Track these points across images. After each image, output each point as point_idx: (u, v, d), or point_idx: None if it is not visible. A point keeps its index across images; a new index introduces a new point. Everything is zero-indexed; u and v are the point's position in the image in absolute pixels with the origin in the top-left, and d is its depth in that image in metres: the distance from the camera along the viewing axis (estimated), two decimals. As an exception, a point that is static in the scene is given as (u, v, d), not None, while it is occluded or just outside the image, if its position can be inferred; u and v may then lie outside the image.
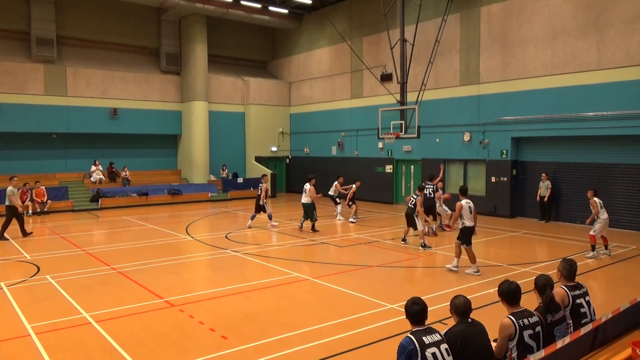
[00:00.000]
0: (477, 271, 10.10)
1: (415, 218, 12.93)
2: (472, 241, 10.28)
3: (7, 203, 14.64)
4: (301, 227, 15.80)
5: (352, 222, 17.41)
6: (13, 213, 14.60)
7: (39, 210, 20.08)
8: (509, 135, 18.27)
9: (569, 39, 16.36)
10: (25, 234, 14.95)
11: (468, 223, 10.07)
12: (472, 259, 10.17)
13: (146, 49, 26.37)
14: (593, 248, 11.67)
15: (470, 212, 10.11)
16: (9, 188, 14.62)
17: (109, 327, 7.15)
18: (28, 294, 8.99)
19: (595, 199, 11.79)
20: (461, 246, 10.20)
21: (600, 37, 15.59)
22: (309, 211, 15.50)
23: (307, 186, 15.67)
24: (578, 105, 16.17)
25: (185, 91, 26.20)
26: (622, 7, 15.12)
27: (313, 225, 15.54)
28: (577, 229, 15.60)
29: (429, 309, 4.30)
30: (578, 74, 16.17)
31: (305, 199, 15.64)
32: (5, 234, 14.59)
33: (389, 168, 23.24)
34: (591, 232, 11.71)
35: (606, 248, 11.94)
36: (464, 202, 10.13)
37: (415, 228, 13.10)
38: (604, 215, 11.68)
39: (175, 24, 26.27)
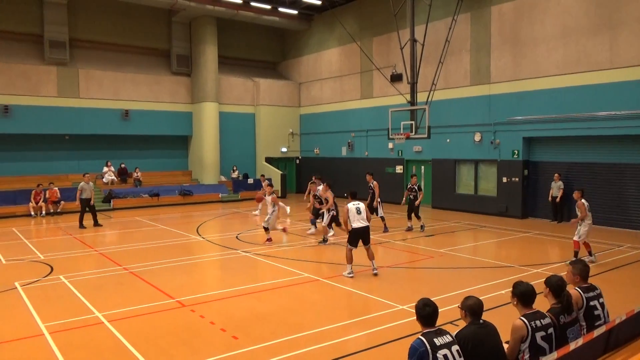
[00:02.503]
0: (351, 272, 9.97)
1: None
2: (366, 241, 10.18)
3: (82, 196, 16.85)
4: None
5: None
6: (85, 204, 16.90)
7: (52, 210, 20.30)
8: (520, 135, 18.14)
9: (581, 38, 16.20)
10: (96, 224, 17.13)
11: (355, 225, 9.97)
12: (371, 256, 10.15)
13: (157, 50, 26.56)
14: (576, 255, 10.95)
15: (359, 213, 10.02)
16: (81, 183, 17.03)
17: (121, 327, 7.21)
18: (42, 293, 9.09)
19: (583, 200, 11.01)
20: (351, 250, 10.02)
21: (613, 36, 15.42)
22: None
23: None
24: (590, 104, 16.01)
25: (195, 92, 26.34)
26: (635, 5, 14.94)
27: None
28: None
29: (439, 310, 4.28)
30: (590, 73, 16.01)
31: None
32: (83, 223, 16.88)
33: (399, 169, 23.17)
34: (575, 238, 10.98)
35: (590, 254, 11.17)
36: (350, 204, 10.11)
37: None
38: (589, 219, 10.94)
39: (186, 25, 26.42)
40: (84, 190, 16.77)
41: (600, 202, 16.22)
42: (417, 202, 15.33)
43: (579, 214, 11.05)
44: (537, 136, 17.92)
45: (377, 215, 15.40)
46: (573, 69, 16.44)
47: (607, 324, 4.68)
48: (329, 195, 14.02)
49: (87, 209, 16.90)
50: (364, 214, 10.06)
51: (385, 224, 15.50)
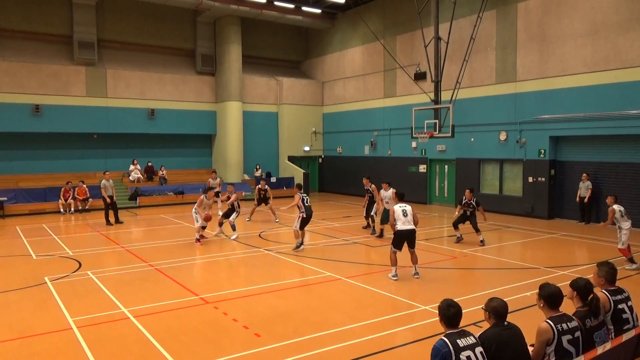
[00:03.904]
0: (395, 275, 9.67)
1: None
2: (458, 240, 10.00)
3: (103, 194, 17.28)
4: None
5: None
6: (105, 203, 17.29)
7: (80, 208, 20.77)
8: (547, 134, 17.80)
9: (610, 35, 15.81)
10: (117, 221, 17.48)
11: (400, 227, 9.65)
12: (414, 260, 9.91)
13: (182, 50, 26.91)
14: (632, 260, 10.63)
15: (405, 216, 9.70)
16: (102, 181, 17.33)
17: (147, 322, 7.34)
18: (70, 288, 9.32)
19: (615, 206, 10.63)
20: (395, 253, 9.71)
21: (645, 32, 15.00)
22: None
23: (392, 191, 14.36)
24: (620, 102, 15.60)
25: (219, 91, 26.61)
26: (668, 1, 14.51)
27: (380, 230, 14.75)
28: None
29: (462, 311, 4.24)
30: (620, 70, 15.61)
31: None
32: (109, 220, 17.30)
33: (422, 168, 23.00)
34: (620, 246, 10.65)
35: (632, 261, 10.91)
36: (397, 206, 9.87)
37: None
38: (626, 224, 10.53)
39: (211, 25, 26.71)
40: (106, 187, 17.18)
41: (630, 202, 15.80)
42: (484, 217, 13.64)
43: (609, 218, 10.77)
44: (565, 135, 17.55)
45: (368, 214, 15.37)
46: (602, 66, 16.05)
47: (636, 328, 4.57)
48: (233, 197, 14.52)
49: (109, 206, 17.30)
50: (410, 217, 9.77)
51: (374, 226, 15.04)
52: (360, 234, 15.10)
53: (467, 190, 13.71)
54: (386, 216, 14.10)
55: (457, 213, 13.83)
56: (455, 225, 13.70)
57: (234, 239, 14.16)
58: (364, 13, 24.84)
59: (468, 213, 13.50)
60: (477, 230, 13.35)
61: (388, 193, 14.10)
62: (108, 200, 17.13)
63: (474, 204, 13.39)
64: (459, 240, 13.56)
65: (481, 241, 13.20)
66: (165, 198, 23.37)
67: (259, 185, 18.20)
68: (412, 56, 22.83)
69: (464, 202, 13.59)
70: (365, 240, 14.18)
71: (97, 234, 15.67)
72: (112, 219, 17.41)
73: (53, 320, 7.52)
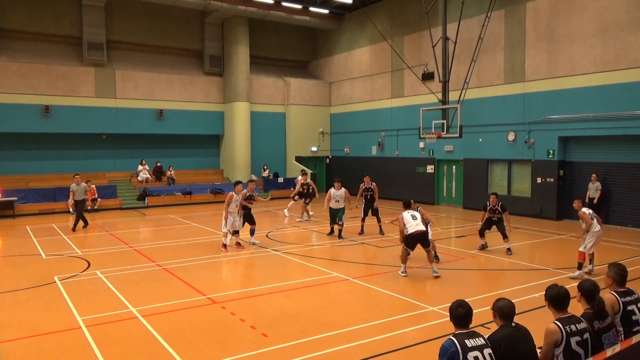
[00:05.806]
0: (404, 272, 10.09)
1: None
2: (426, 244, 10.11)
3: (75, 198, 16.46)
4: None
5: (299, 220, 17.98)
6: (80, 206, 16.43)
7: (89, 208, 20.88)
8: (556, 134, 17.68)
9: (620, 34, 15.67)
10: (82, 226, 16.53)
11: (411, 231, 9.88)
12: (430, 259, 10.18)
13: (190, 51, 27.02)
14: (580, 266, 10.01)
15: (414, 219, 10.01)
16: (72, 185, 16.47)
17: (154, 322, 7.38)
18: (79, 288, 9.39)
19: (584, 209, 10.36)
20: (407, 251, 10.06)
21: (656, 32, 14.86)
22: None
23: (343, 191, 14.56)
24: (630, 102, 15.46)
25: (227, 92, 26.69)
26: (679, 0, 14.36)
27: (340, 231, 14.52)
28: (629, 232, 14.93)
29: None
30: (630, 70, 15.47)
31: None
32: (76, 226, 16.33)
33: (430, 168, 22.93)
34: (581, 249, 10.10)
35: (590, 262, 10.28)
36: (405, 213, 10.22)
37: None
38: (596, 227, 10.13)
39: (218, 26, 26.79)
40: (75, 192, 16.25)
41: (639, 203, 15.71)
42: (508, 229, 12.35)
43: (583, 225, 10.25)
44: (574, 135, 17.42)
45: (376, 216, 15.24)
46: (612, 66, 15.92)
47: (646, 330, 4.52)
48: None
49: (82, 210, 16.38)
50: (419, 219, 10.07)
51: (381, 227, 15.08)
52: (367, 234, 15.06)
53: (492, 196, 12.51)
54: (333, 216, 14.46)
55: (481, 222, 12.73)
56: (481, 233, 12.72)
57: (257, 243, 13.53)
58: (371, 13, 24.81)
59: (495, 219, 12.46)
60: (505, 237, 12.29)
61: (340, 192, 14.37)
62: (72, 203, 16.72)
63: (499, 209, 12.34)
64: (484, 247, 12.69)
65: (508, 249, 12.24)
66: (174, 198, 23.48)
67: (301, 180, 18.15)
68: (420, 56, 22.77)
69: (488, 208, 12.51)
70: (372, 240, 14.15)
71: (106, 233, 15.78)
72: (78, 223, 16.29)
73: (62, 320, 7.57)
